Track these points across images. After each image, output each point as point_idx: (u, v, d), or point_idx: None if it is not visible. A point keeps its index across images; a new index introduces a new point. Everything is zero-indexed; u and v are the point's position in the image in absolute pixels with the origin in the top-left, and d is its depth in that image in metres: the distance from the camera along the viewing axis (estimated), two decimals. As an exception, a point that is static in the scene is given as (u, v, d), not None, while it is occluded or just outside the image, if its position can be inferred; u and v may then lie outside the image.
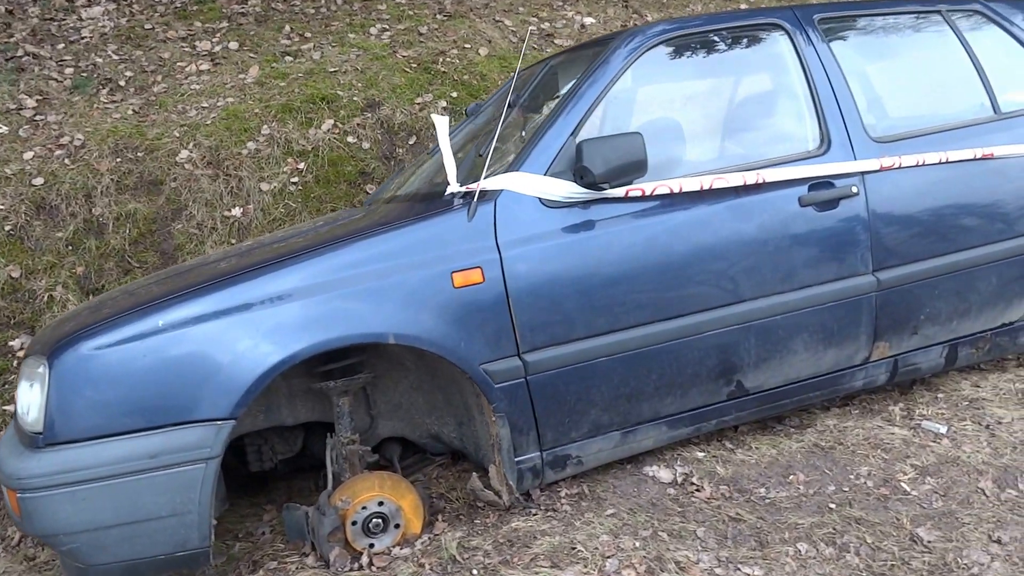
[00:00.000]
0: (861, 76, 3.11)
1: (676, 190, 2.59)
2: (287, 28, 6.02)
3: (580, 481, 2.69)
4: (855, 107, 2.91)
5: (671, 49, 2.92)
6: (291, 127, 4.96)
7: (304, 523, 2.51)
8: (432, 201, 2.64)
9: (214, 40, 5.88)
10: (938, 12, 3.28)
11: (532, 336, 2.44)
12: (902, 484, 2.61)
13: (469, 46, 5.90)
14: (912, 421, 2.96)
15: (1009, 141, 3.07)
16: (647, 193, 2.56)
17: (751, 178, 2.67)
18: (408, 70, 5.53)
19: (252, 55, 5.72)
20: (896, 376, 3.03)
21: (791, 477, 2.66)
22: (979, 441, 2.81)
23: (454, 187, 2.56)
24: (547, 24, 6.31)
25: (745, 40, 3.04)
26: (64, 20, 6.00)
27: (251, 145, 4.91)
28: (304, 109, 5.10)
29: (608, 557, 2.26)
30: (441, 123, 2.61)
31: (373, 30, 6.04)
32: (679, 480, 2.67)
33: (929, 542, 2.33)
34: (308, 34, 6.02)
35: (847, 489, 2.60)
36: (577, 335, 2.49)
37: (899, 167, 2.87)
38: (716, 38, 3.00)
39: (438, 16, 6.16)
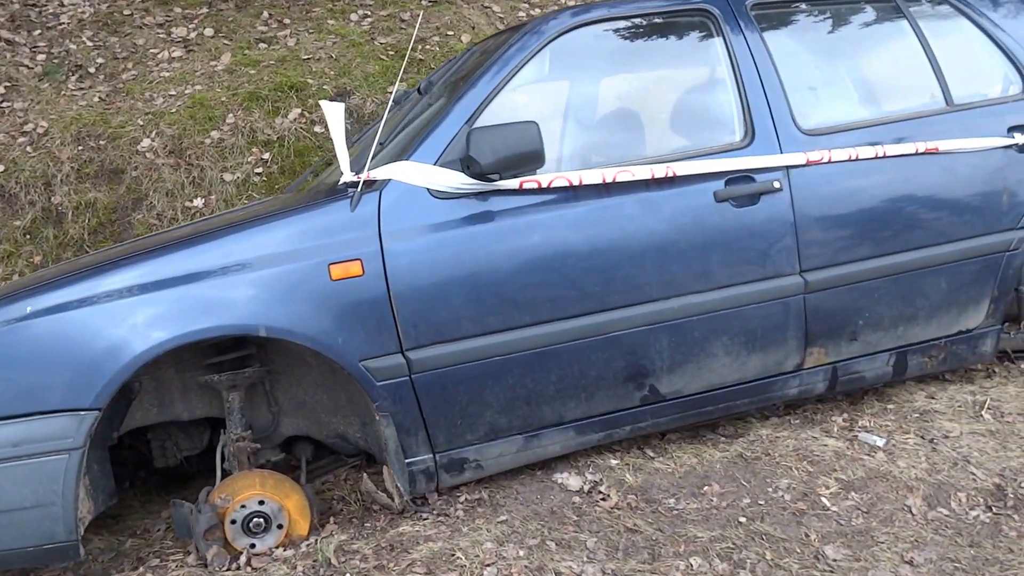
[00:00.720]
0: (798, 66, 2.99)
1: (576, 183, 2.52)
2: (265, 14, 6.05)
3: (483, 486, 2.64)
4: (785, 99, 2.80)
5: (588, 35, 2.84)
6: (257, 116, 4.98)
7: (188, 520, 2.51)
8: (329, 191, 2.62)
9: (191, 26, 5.93)
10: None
11: (416, 333, 2.39)
12: (822, 499, 2.51)
13: (452, 33, 5.87)
14: (851, 433, 2.85)
15: (961, 134, 2.93)
16: (543, 185, 2.50)
17: (660, 171, 2.59)
18: (384, 57, 5.52)
19: (227, 42, 5.77)
20: (837, 385, 2.92)
21: (706, 488, 2.58)
22: (918, 456, 2.69)
23: (346, 176, 2.53)
24: (537, 10, 6.25)
25: (670, 26, 2.95)
26: (45, 6, 6.11)
27: (215, 134, 4.95)
28: (272, 97, 5.12)
29: (487, 565, 2.22)
30: (332, 110, 2.58)
31: (354, 16, 6.05)
32: (586, 488, 2.60)
33: (834, 560, 2.24)
34: (287, 20, 6.05)
35: (763, 502, 2.51)
36: (467, 333, 2.44)
37: (829, 161, 2.76)
38: (638, 24, 2.92)
39: (423, 3, 6.14)
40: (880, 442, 2.75)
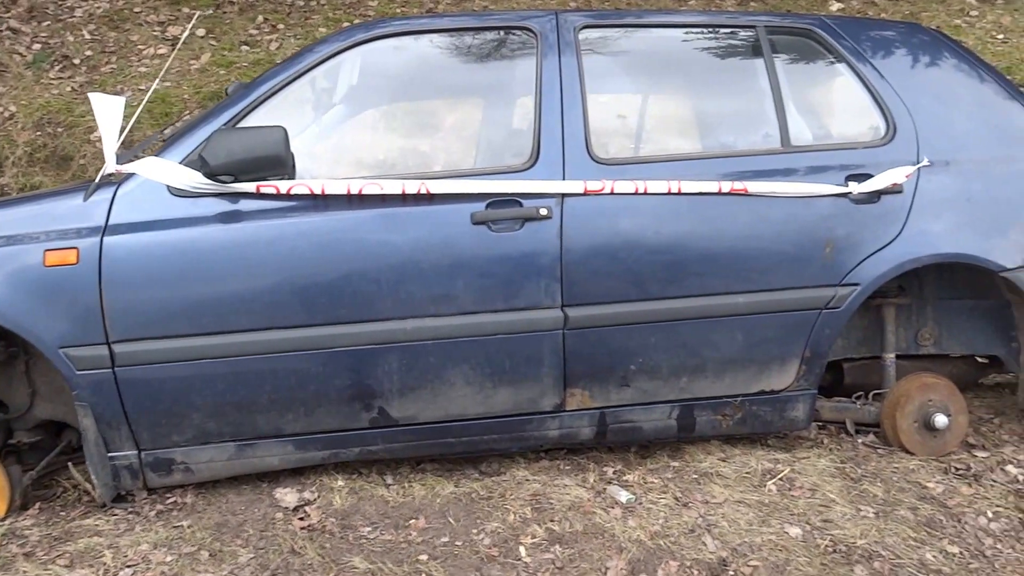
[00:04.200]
0: (617, 93, 2.86)
1: (318, 191, 2.50)
2: (260, 18, 6.29)
3: (198, 490, 2.64)
4: (584, 124, 2.68)
5: (393, 47, 2.83)
6: (210, 115, 5.16)
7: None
8: (89, 181, 2.70)
9: (187, 26, 6.23)
10: (753, 29, 2.95)
11: (124, 327, 2.43)
12: (521, 548, 2.38)
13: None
14: (604, 484, 2.67)
15: (789, 178, 2.72)
16: (282, 191, 2.48)
17: (412, 187, 2.52)
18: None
19: (214, 42, 6.03)
20: (608, 433, 2.75)
21: (412, 521, 2.49)
22: (656, 517, 2.50)
23: (108, 168, 2.60)
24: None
25: (491, 43, 2.89)
26: (64, 1, 6.57)
27: (168, 132, 5.17)
28: (231, 98, 5.29)
29: (128, 567, 2.23)
30: (102, 102, 2.65)
31: (346, 24, 6.21)
32: (295, 506, 2.55)
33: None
34: (281, 25, 6.27)
35: (459, 544, 2.40)
36: (177, 332, 2.45)
37: (611, 192, 2.61)
38: (458, 38, 2.87)
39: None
40: (624, 498, 2.57)
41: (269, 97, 2.63)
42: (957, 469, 2.89)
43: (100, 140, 5.11)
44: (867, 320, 3.13)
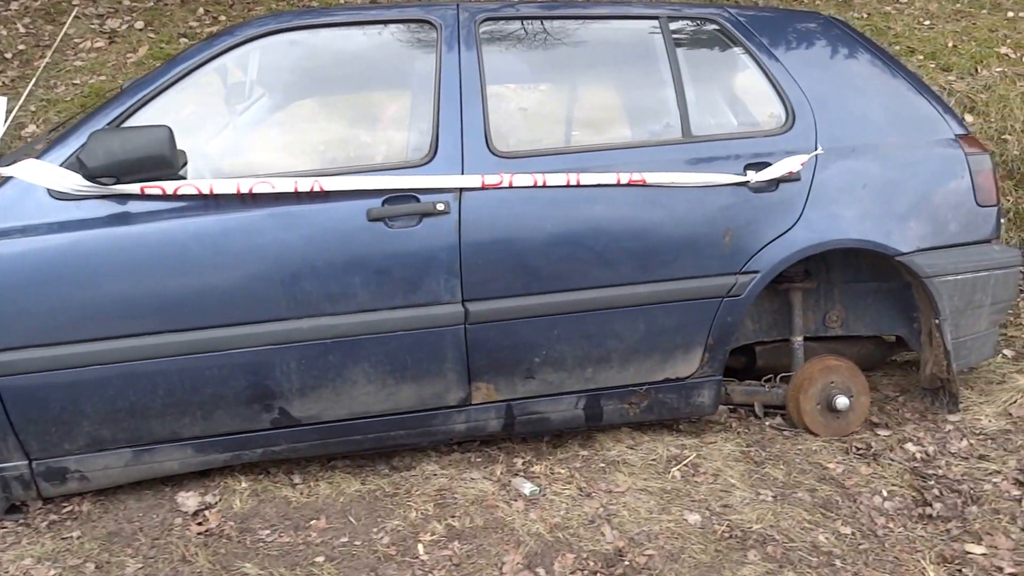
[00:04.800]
0: (518, 86, 2.83)
1: (206, 191, 2.44)
2: (201, 10, 6.13)
3: (98, 497, 2.60)
4: (483, 118, 2.65)
5: (291, 41, 2.76)
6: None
7: None
8: None
9: (125, 18, 6.06)
10: (656, 19, 2.93)
11: (3, 335, 2.35)
12: (420, 546, 2.38)
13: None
14: (511, 476, 2.67)
15: (690, 168, 2.72)
16: (168, 192, 2.42)
17: (305, 185, 2.48)
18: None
19: (152, 35, 5.87)
20: (516, 425, 2.76)
21: (313, 522, 2.47)
22: (557, 509, 2.52)
23: None
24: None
25: (391, 36, 2.83)
26: (2, -6, 6.32)
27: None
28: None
29: (10, 582, 2.17)
30: None
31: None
32: (196, 510, 2.52)
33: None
34: (224, 17, 6.12)
35: (358, 543, 2.39)
36: (61, 339, 2.39)
37: (509, 186, 2.58)
38: (357, 32, 2.81)
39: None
40: (527, 490, 2.58)
41: (158, 95, 2.56)
42: (858, 449, 2.94)
43: (32, 137, 5.00)
44: (777, 304, 3.16)
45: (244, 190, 2.47)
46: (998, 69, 5.60)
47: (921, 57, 5.78)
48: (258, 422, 2.57)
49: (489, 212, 2.61)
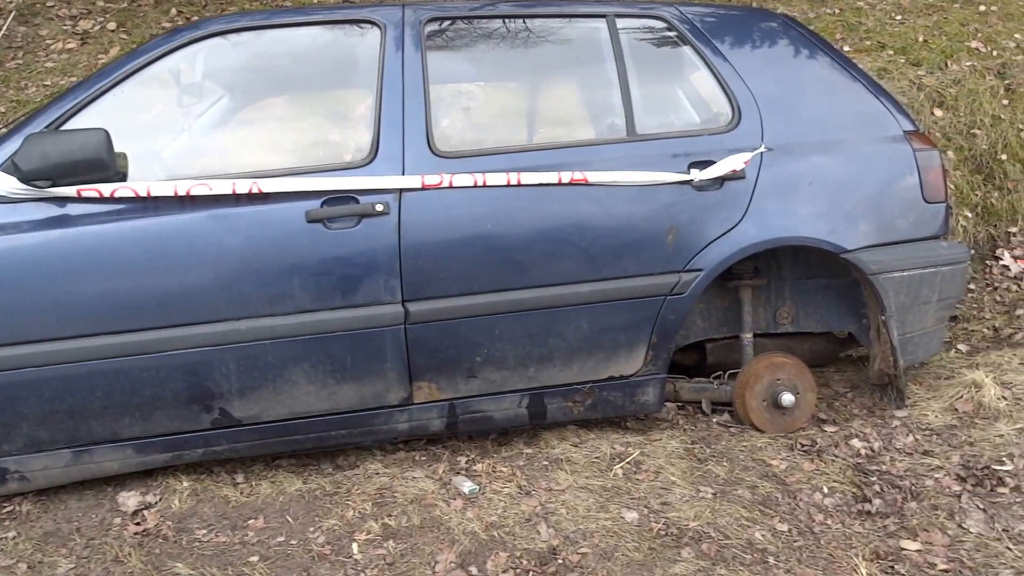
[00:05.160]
0: (462, 86, 2.83)
1: (144, 194, 2.44)
2: (174, 11, 6.12)
3: (39, 497, 2.61)
4: (425, 118, 2.66)
5: (237, 43, 2.76)
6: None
7: None
8: None
9: (98, 19, 6.04)
10: (603, 18, 2.93)
11: (-63, 339, 2.36)
12: (355, 545, 2.39)
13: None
14: (451, 475, 2.68)
15: (634, 167, 2.72)
16: (105, 195, 2.42)
17: (243, 187, 2.49)
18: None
19: (124, 36, 5.86)
20: (459, 424, 2.77)
21: (251, 521, 2.49)
22: (495, 507, 2.53)
23: None
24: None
25: (335, 37, 2.84)
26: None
27: None
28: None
29: (-57, 584, 2.18)
30: None
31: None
32: (135, 510, 2.53)
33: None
34: (196, 17, 6.11)
35: (293, 543, 2.40)
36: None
37: (449, 186, 2.59)
38: (295, 32, 2.81)
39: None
40: (467, 488, 2.59)
41: (98, 97, 2.56)
42: (803, 445, 2.96)
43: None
44: (727, 301, 3.17)
45: (181, 192, 2.47)
46: (968, 63, 5.60)
47: (891, 52, 5.79)
48: (198, 423, 2.58)
49: (429, 213, 2.62)
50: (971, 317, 4.44)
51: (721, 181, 2.82)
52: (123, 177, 2.51)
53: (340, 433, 2.71)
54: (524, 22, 2.98)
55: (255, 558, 2.34)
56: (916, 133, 3.11)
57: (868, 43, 6.03)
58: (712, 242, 2.81)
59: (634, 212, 2.76)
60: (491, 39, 2.98)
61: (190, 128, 2.88)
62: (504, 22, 2.97)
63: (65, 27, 5.80)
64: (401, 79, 2.70)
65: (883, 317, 3.00)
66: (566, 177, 2.68)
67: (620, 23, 2.96)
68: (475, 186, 2.63)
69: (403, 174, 2.62)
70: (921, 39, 5.96)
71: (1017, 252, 5.15)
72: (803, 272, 3.22)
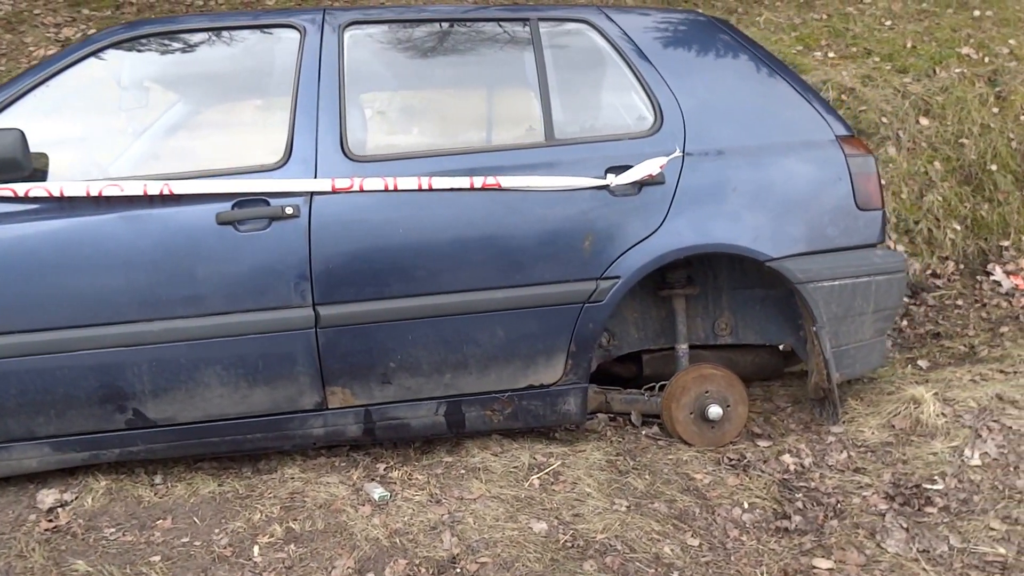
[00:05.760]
0: (379, 90, 2.85)
1: (56, 193, 2.49)
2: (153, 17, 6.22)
3: (-41, 494, 2.66)
4: (339, 122, 2.68)
5: (157, 46, 2.79)
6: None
7: None
8: None
9: (82, 27, 6.17)
10: (527, 22, 2.93)
11: None
12: (255, 548, 2.41)
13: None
14: (353, 484, 2.69)
15: (551, 172, 2.72)
16: (19, 194, 2.48)
17: (154, 188, 2.53)
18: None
19: None
20: (377, 430, 2.79)
21: (160, 522, 2.53)
22: (402, 515, 2.54)
23: None
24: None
25: (257, 41, 2.87)
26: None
27: None
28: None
29: None
30: None
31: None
32: (51, 507, 2.58)
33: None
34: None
35: (197, 544, 2.44)
36: None
37: (360, 190, 2.60)
38: (216, 37, 2.86)
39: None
40: (377, 495, 2.60)
41: (17, 99, 2.61)
42: (730, 459, 2.92)
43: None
44: (664, 311, 3.14)
45: (94, 192, 2.52)
46: (957, 70, 5.49)
47: (877, 59, 5.70)
48: (113, 423, 2.63)
49: (340, 216, 2.64)
50: (953, 334, 4.35)
51: (639, 186, 2.80)
52: (43, 177, 2.56)
53: (256, 437, 2.73)
54: (446, 26, 2.99)
55: (157, 558, 2.37)
56: (850, 138, 3.06)
57: (854, 49, 5.93)
58: (630, 249, 2.79)
59: (549, 218, 2.75)
60: (412, 43, 3.00)
61: (110, 130, 2.92)
62: (426, 26, 2.98)
63: (48, 34, 5.92)
64: (317, 83, 2.73)
65: (814, 328, 2.95)
66: (479, 182, 2.69)
67: (543, 27, 2.96)
68: (386, 190, 2.65)
69: (315, 177, 2.64)
70: (910, 45, 5.86)
71: (1010, 267, 5.04)
72: (740, 282, 3.18)
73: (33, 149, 2.53)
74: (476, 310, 2.72)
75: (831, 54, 5.83)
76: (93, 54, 2.70)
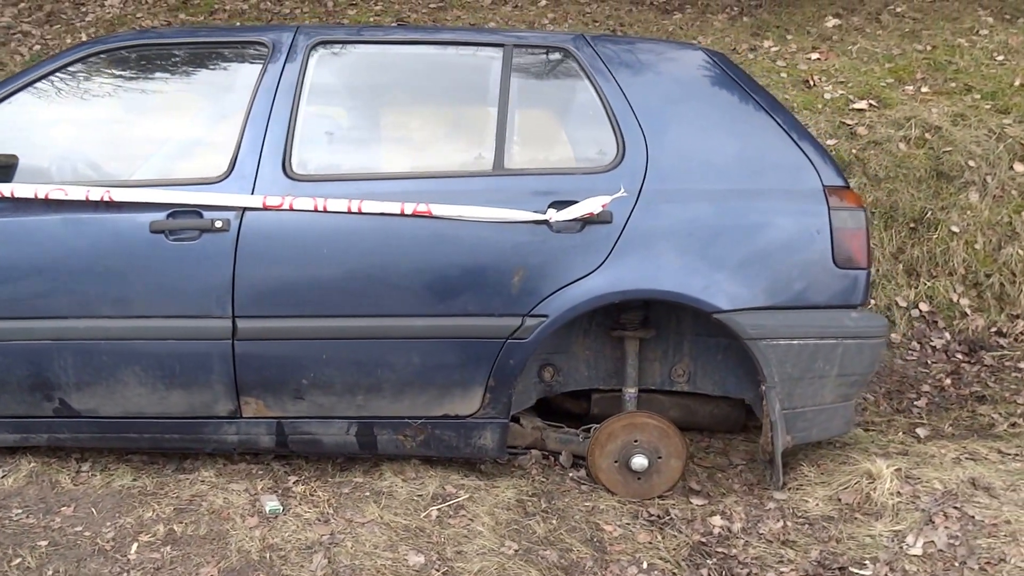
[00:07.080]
0: (334, 110, 2.90)
1: (8, 194, 2.69)
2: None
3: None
4: (285, 140, 2.76)
5: (132, 60, 2.97)
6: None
7: None
8: None
9: (80, 36, 6.59)
10: (501, 47, 2.91)
11: None
12: (136, 544, 2.53)
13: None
14: (255, 494, 2.73)
15: (491, 203, 2.70)
16: (-21, 194, 2.70)
17: (96, 194, 2.68)
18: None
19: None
20: (289, 443, 2.83)
21: (64, 509, 2.68)
22: (285, 530, 2.59)
23: None
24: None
25: (225, 57, 3.00)
26: (82, 4, 7.06)
27: None
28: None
29: None
30: None
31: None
32: (-28, 484, 2.76)
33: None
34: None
35: (86, 535, 2.57)
36: None
37: (289, 208, 2.66)
38: (187, 52, 3.00)
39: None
40: (268, 507, 2.64)
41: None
42: (650, 515, 2.78)
43: None
44: (619, 352, 3.03)
45: (41, 195, 2.69)
46: (1069, 116, 5.00)
47: (977, 96, 5.28)
48: (41, 409, 2.80)
49: (268, 233, 2.71)
50: (999, 399, 3.98)
51: (583, 224, 2.71)
52: (9, 177, 2.77)
53: (174, 437, 2.84)
54: (418, 48, 3.00)
55: (44, 543, 2.50)
56: (840, 189, 2.85)
57: (952, 84, 5.52)
58: (563, 287, 2.71)
59: (480, 249, 2.71)
60: (380, 65, 3.04)
61: (80, 138, 3.09)
62: (397, 48, 3.01)
63: (37, 46, 6.32)
64: (272, 100, 2.81)
65: (762, 387, 2.76)
66: (409, 208, 2.68)
67: (518, 54, 2.92)
68: (315, 211, 2.69)
69: (252, 193, 2.72)
70: (1018, 83, 5.39)
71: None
72: (704, 329, 3.01)
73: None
74: (393, 336, 2.72)
75: (924, 88, 5.44)
76: (65, 67, 2.90)
